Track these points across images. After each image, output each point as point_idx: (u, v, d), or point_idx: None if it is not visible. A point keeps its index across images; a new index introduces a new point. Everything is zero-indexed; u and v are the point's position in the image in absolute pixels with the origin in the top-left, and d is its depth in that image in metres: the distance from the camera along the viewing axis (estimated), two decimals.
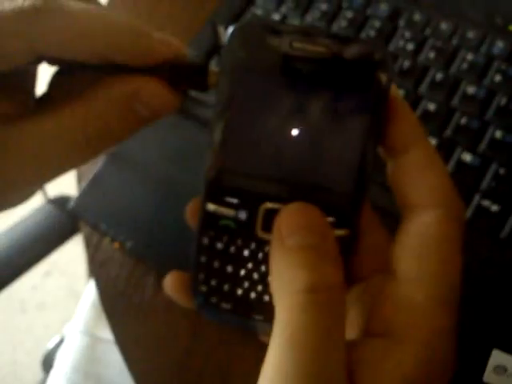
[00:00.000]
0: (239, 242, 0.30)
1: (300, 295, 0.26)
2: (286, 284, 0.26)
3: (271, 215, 0.28)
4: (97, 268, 0.55)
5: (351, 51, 0.28)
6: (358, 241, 0.30)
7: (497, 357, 0.42)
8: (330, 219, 0.29)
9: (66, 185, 0.65)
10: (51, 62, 0.29)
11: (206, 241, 0.30)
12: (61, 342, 0.78)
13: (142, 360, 0.51)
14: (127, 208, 0.53)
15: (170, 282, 0.33)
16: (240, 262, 0.30)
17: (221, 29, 0.30)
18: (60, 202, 0.71)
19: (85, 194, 0.55)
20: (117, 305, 0.53)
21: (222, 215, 0.29)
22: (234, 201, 0.29)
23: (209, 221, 0.30)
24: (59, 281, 1.61)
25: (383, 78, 0.28)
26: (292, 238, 0.27)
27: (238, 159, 0.29)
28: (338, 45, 0.28)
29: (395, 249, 0.29)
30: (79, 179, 0.59)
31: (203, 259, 0.30)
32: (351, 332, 0.30)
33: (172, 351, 0.51)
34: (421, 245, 0.28)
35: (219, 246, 0.30)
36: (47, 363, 0.94)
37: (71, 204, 0.55)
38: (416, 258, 0.28)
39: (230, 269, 0.30)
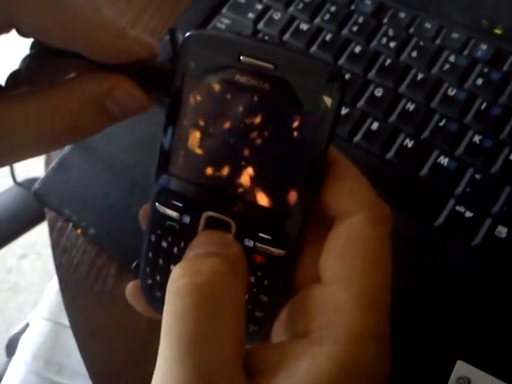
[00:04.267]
0: (182, 243, 0.30)
1: (178, 281, 0.26)
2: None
3: (213, 222, 0.29)
4: (59, 254, 0.54)
5: (300, 70, 0.27)
6: (296, 261, 0.30)
7: (460, 368, 0.41)
8: (267, 238, 0.29)
9: (35, 167, 0.63)
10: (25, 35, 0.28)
11: (153, 238, 0.31)
12: (26, 326, 0.76)
13: (99, 352, 0.50)
14: (91, 195, 0.52)
15: (131, 290, 0.33)
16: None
17: (179, 36, 0.29)
18: (29, 185, 0.69)
19: (49, 178, 0.53)
20: (76, 293, 0.52)
21: (168, 217, 0.30)
22: (179, 205, 0.30)
23: (156, 220, 0.31)
24: (35, 263, 1.60)
25: (329, 102, 0.27)
26: (192, 252, 0.28)
27: (184, 166, 0.29)
28: (287, 62, 0.27)
29: (322, 254, 0.28)
30: (47, 163, 0.57)
31: (150, 255, 0.31)
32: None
33: (130, 344, 0.49)
34: (345, 246, 0.27)
35: (164, 244, 0.31)
36: (10, 348, 0.92)
37: (35, 187, 0.53)
38: (340, 259, 0.27)
39: (172, 267, 0.30)
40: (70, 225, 0.52)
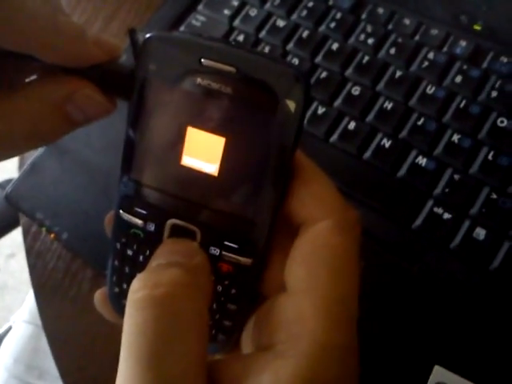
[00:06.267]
0: (147, 251, 0.29)
1: (137, 293, 0.25)
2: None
3: (178, 230, 0.28)
4: (33, 258, 0.53)
5: (263, 74, 0.26)
6: (263, 269, 0.29)
7: (438, 374, 0.40)
8: (233, 246, 0.28)
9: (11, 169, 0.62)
10: None
11: (118, 246, 0.30)
12: (9, 329, 0.75)
13: (73, 358, 0.49)
14: (65, 198, 0.51)
15: (99, 298, 0.33)
16: None
17: (140, 37, 0.28)
18: (7, 186, 0.68)
19: (21, 181, 0.52)
20: (51, 298, 0.51)
21: (132, 224, 0.29)
22: (144, 212, 0.29)
23: (121, 228, 0.30)
24: (23, 263, 1.58)
25: (292, 106, 0.26)
26: (154, 261, 0.27)
27: (148, 173, 0.29)
28: (249, 65, 0.26)
29: (287, 262, 0.28)
30: (21, 165, 0.56)
31: (116, 263, 0.31)
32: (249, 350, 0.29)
33: (105, 350, 0.49)
34: (310, 254, 0.27)
35: (129, 252, 0.30)
36: None
37: (7, 191, 0.52)
38: (304, 267, 0.26)
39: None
40: (43, 229, 0.51)
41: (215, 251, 0.28)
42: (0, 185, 0.70)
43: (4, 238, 0.83)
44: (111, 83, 0.29)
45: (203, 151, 0.27)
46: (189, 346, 0.24)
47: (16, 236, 0.83)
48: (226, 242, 0.28)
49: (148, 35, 0.27)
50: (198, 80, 0.27)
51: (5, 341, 0.73)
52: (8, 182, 0.67)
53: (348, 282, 0.26)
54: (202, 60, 0.26)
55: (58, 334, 0.50)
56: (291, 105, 0.26)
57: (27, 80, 0.28)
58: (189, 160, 0.28)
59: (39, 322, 0.69)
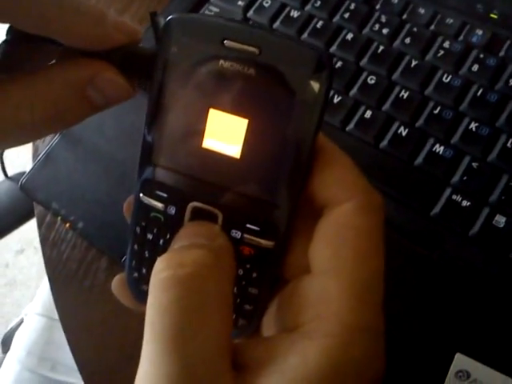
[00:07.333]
0: (168, 235, 0.29)
1: (161, 273, 0.24)
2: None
3: (199, 213, 0.28)
4: (48, 249, 0.53)
5: (287, 55, 0.26)
6: (285, 252, 0.29)
7: (459, 361, 0.40)
8: (255, 229, 0.28)
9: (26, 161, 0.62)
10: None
11: (138, 230, 0.30)
12: (21, 322, 0.75)
13: (89, 348, 0.49)
14: (80, 188, 0.51)
15: (117, 284, 0.32)
16: None
17: (161, 20, 0.28)
18: (20, 178, 0.68)
19: (36, 171, 0.52)
20: (66, 289, 0.51)
21: (153, 208, 0.29)
22: (164, 196, 0.29)
23: (141, 212, 0.30)
24: (32, 259, 1.59)
25: (317, 87, 0.26)
26: (177, 244, 0.27)
27: (169, 156, 0.28)
28: (273, 46, 0.26)
29: (312, 243, 0.27)
30: (35, 155, 0.56)
31: (135, 247, 0.30)
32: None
33: (122, 340, 0.49)
34: (335, 235, 0.26)
35: (149, 236, 0.30)
36: (6, 344, 0.91)
37: (22, 181, 0.52)
38: (330, 248, 0.26)
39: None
40: (59, 219, 0.51)
41: (236, 234, 0.28)
42: (12, 178, 0.70)
43: (13, 234, 0.83)
44: (132, 66, 0.28)
45: (225, 133, 0.27)
46: (214, 327, 0.24)
47: (25, 232, 0.83)
48: (248, 225, 0.28)
49: (170, 17, 0.27)
50: (221, 61, 0.26)
51: (17, 334, 0.73)
52: (20, 175, 0.67)
53: (374, 262, 0.26)
54: (225, 41, 0.26)
55: (74, 324, 0.50)
56: (315, 85, 0.26)
57: (47, 64, 0.28)
58: (211, 142, 0.28)
59: (52, 315, 0.69)
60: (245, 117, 0.27)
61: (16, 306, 1.53)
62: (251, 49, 0.26)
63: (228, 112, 0.27)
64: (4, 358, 0.73)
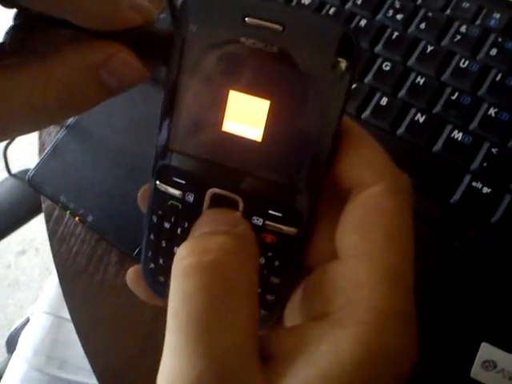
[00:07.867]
0: (185, 223, 0.28)
1: (184, 260, 0.24)
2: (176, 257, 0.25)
3: (219, 200, 0.27)
4: (56, 243, 0.51)
5: (312, 32, 0.25)
6: (309, 239, 0.28)
7: (486, 351, 0.39)
8: (278, 215, 0.27)
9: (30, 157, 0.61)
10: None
11: (154, 219, 0.29)
12: (26, 322, 0.74)
13: (101, 344, 0.48)
14: (88, 181, 0.50)
15: (132, 276, 0.32)
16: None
17: None
18: (24, 176, 0.68)
19: (44, 164, 0.51)
20: (76, 284, 0.50)
21: (170, 195, 0.28)
22: (182, 182, 0.28)
23: (158, 200, 0.29)
24: (34, 259, 1.59)
25: (343, 65, 0.25)
26: (197, 231, 0.26)
27: (187, 141, 0.27)
28: (297, 23, 0.25)
29: (338, 229, 0.26)
30: (41, 149, 0.55)
31: (152, 237, 0.30)
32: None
33: (132, 336, 0.48)
34: (363, 218, 0.25)
35: (166, 225, 0.29)
36: (10, 344, 0.90)
37: (29, 175, 0.51)
38: (358, 232, 0.25)
39: (176, 249, 0.28)
40: (68, 213, 0.50)
41: (258, 221, 0.27)
42: (15, 175, 0.69)
43: (14, 235, 0.82)
44: (147, 47, 0.27)
45: (246, 116, 0.26)
46: (240, 316, 0.23)
47: (26, 233, 0.82)
48: (270, 211, 0.27)
49: None
50: (242, 40, 0.25)
51: (23, 333, 0.72)
52: (25, 172, 0.66)
53: (404, 246, 0.25)
54: (246, 18, 0.25)
55: (85, 320, 0.49)
56: (342, 63, 0.25)
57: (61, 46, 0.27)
58: (231, 125, 0.26)
59: (58, 313, 0.68)
60: (267, 98, 0.26)
61: (19, 307, 1.52)
62: (274, 26, 0.25)
63: (249, 93, 0.26)
64: (9, 358, 0.72)
